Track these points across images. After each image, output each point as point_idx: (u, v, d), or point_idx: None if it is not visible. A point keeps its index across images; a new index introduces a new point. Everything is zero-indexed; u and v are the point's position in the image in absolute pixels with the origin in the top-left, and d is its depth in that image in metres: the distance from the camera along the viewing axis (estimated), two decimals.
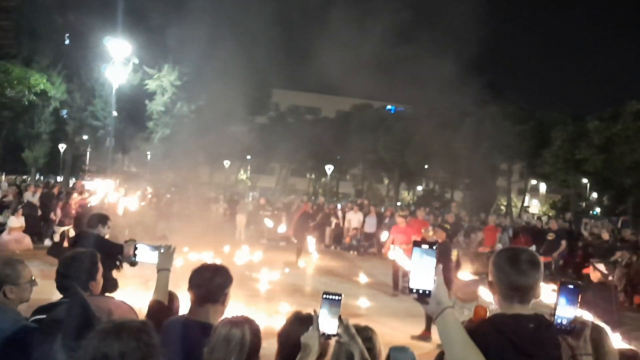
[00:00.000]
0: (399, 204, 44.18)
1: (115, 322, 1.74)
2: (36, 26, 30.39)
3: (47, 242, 14.34)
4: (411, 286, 1.80)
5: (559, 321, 2.02)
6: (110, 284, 5.05)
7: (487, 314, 2.21)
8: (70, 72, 32.15)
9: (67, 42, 34.55)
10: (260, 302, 9.30)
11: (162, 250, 3.04)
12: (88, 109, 32.75)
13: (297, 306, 8.87)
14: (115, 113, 26.05)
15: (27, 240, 13.88)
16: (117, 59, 24.45)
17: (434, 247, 1.81)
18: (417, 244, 1.83)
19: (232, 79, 34.27)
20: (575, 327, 2.04)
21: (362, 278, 13.08)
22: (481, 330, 1.94)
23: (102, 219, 5.66)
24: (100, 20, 28.69)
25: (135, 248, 3.08)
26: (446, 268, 7.31)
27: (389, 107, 53.08)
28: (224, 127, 38.63)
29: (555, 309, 2.06)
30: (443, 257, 9.00)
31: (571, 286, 2.10)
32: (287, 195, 42.02)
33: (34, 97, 30.51)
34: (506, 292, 2.06)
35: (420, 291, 1.79)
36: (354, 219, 19.45)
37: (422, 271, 1.79)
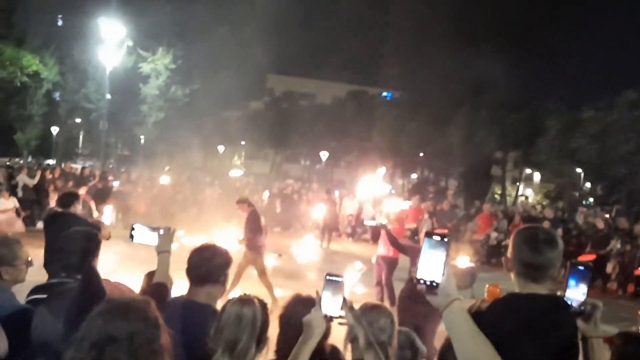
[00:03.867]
0: (393, 191, 44.18)
1: (119, 300, 1.64)
2: (29, 6, 29.95)
3: (40, 225, 14.23)
4: (419, 276, 1.75)
5: (568, 303, 2.00)
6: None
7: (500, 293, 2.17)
8: (63, 54, 31.81)
9: (60, 23, 34.14)
10: (254, 287, 9.26)
11: (161, 232, 2.95)
12: (81, 91, 32.46)
13: (291, 290, 8.89)
14: (108, 96, 25.79)
15: (19, 222, 13.77)
16: (111, 40, 24.17)
17: (445, 239, 1.77)
18: (428, 234, 1.78)
19: (227, 64, 34.13)
20: (586, 309, 2.02)
21: (357, 264, 13.06)
22: (494, 309, 1.92)
23: (75, 197, 5.75)
24: (94, 1, 28.34)
25: (133, 229, 2.98)
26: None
27: (384, 94, 52.94)
28: (218, 112, 38.48)
29: (564, 291, 2.03)
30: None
31: (581, 267, 2.06)
32: (282, 181, 41.95)
33: (26, 79, 30.19)
34: (522, 270, 2.05)
35: (428, 282, 1.74)
36: (349, 206, 19.46)
37: (432, 262, 1.74)
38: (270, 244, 13.76)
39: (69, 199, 5.73)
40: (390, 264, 9.46)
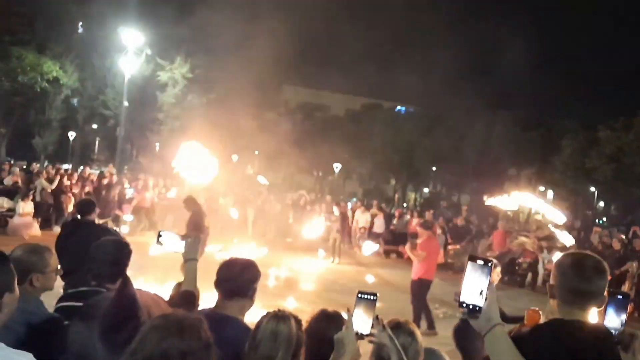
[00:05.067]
0: (405, 205, 44.07)
1: (174, 317, 1.64)
2: (50, 13, 30.45)
3: (56, 229, 14.37)
4: (462, 300, 1.77)
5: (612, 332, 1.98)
6: None
7: (541, 319, 2.17)
8: (83, 61, 32.23)
9: (80, 30, 34.63)
10: (267, 299, 9.27)
11: (189, 240, 2.99)
12: (99, 98, 32.83)
13: (304, 302, 8.89)
14: (126, 103, 26.07)
15: (36, 225, 13.92)
16: (130, 49, 24.48)
17: (489, 264, 1.78)
18: (472, 258, 1.81)
19: (243, 74, 34.35)
20: (624, 339, 2.00)
21: (369, 277, 13.05)
22: (535, 334, 1.89)
23: (93, 204, 5.77)
24: (115, 9, 28.75)
25: (160, 235, 3.00)
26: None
27: (399, 107, 52.95)
28: (234, 122, 38.68)
29: (603, 319, 2.01)
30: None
31: (620, 296, 2.05)
32: (294, 191, 41.95)
33: (46, 84, 30.60)
34: (567, 297, 2.00)
35: (471, 306, 1.76)
36: (361, 218, 19.42)
37: (474, 286, 1.77)
38: (280, 256, 13.83)
39: (87, 206, 5.70)
40: (413, 286, 8.65)
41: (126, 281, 1.97)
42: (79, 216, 5.78)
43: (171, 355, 1.53)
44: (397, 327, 2.65)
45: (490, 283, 1.77)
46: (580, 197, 35.99)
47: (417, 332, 2.58)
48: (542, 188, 46.77)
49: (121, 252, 2.97)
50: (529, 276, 14.79)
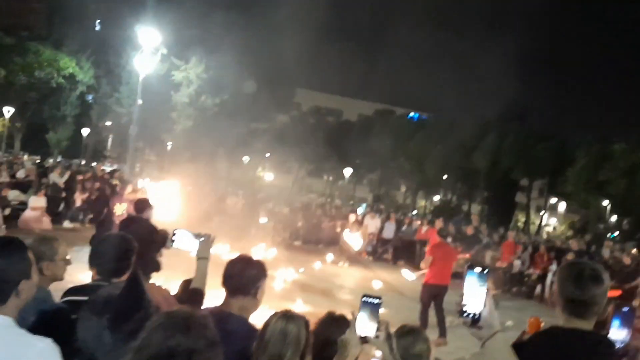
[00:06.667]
0: (414, 212, 43.96)
1: (180, 314, 1.62)
2: (68, 10, 30.80)
3: (67, 224, 14.48)
4: (464, 309, 1.77)
5: (613, 342, 1.97)
6: (155, 265, 5.43)
7: (542, 326, 2.15)
8: (99, 58, 32.53)
9: (97, 27, 34.98)
10: (274, 300, 9.26)
11: (202, 239, 3.00)
12: (114, 95, 33.09)
13: (312, 306, 8.85)
14: (140, 101, 26.22)
15: (47, 220, 14.00)
16: (146, 48, 24.62)
17: (485, 272, 1.79)
18: (471, 266, 1.81)
19: (257, 76, 34.52)
20: (629, 351, 1.98)
21: (376, 283, 12.99)
22: (536, 342, 1.89)
23: (148, 203, 6.18)
24: (131, 8, 29.03)
25: (174, 234, 3.04)
26: None
27: (411, 114, 52.88)
28: (246, 123, 38.83)
29: (608, 331, 2.00)
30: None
31: (626, 309, 2.03)
32: (304, 195, 42.02)
33: (62, 80, 30.92)
34: (566, 306, 2.01)
35: (471, 315, 1.75)
36: (370, 224, 19.35)
37: (474, 294, 1.77)
38: (288, 259, 13.81)
39: (142, 205, 6.14)
40: (423, 290, 8.59)
41: (136, 273, 1.97)
42: (134, 214, 6.20)
43: (177, 353, 1.52)
44: (408, 333, 2.63)
45: (488, 290, 1.77)
46: (592, 210, 35.67)
47: (428, 340, 2.56)
48: (553, 200, 46.50)
49: (126, 247, 2.98)
50: (538, 288, 14.66)
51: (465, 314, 1.75)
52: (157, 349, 1.52)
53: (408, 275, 11.45)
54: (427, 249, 8.74)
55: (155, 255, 5.46)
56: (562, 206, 48.33)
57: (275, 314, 2.24)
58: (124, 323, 1.78)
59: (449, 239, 15.35)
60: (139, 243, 3.10)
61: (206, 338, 1.58)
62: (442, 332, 8.18)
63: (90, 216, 15.01)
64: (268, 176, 53.38)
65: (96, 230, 9.04)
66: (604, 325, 2.43)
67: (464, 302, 1.76)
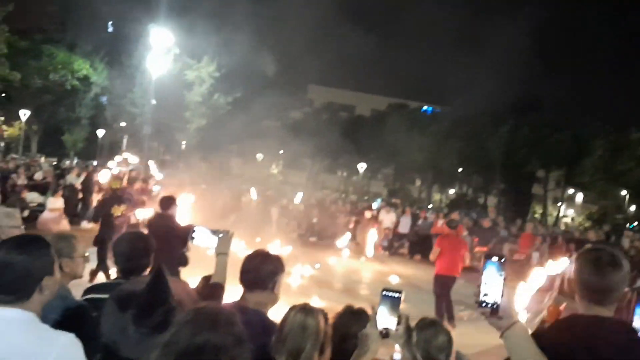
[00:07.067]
0: (430, 206, 43.75)
1: (208, 311, 1.64)
2: (81, 12, 31.07)
3: (84, 224, 14.61)
4: (482, 299, 1.74)
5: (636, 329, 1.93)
6: (183, 260, 5.88)
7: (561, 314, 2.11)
8: (112, 59, 32.77)
9: (110, 29, 35.24)
10: (292, 296, 9.27)
11: (220, 235, 3.04)
12: (127, 96, 33.32)
13: (330, 301, 8.85)
14: (154, 101, 26.37)
15: (65, 221, 14.16)
16: (159, 48, 24.72)
17: (502, 260, 1.77)
18: (488, 256, 1.80)
19: (269, 73, 34.57)
20: None
21: (393, 278, 12.96)
22: (555, 330, 1.86)
23: (173, 200, 6.45)
24: (143, 8, 29.16)
25: (193, 230, 3.07)
26: None
27: (425, 108, 52.58)
28: (259, 121, 38.92)
29: (632, 319, 1.97)
30: None
31: None
32: (318, 191, 42.00)
33: (77, 82, 31.22)
34: (584, 293, 1.98)
35: (490, 304, 1.73)
36: (386, 218, 19.30)
37: (491, 284, 1.75)
38: (304, 255, 13.84)
39: (167, 202, 6.41)
40: (434, 282, 8.76)
41: (160, 267, 1.99)
42: (160, 211, 6.49)
43: (205, 350, 1.53)
44: (429, 325, 2.62)
45: (506, 279, 1.74)
46: (610, 201, 35.24)
47: (449, 332, 2.55)
48: (571, 191, 46.00)
49: (144, 245, 3.01)
50: (566, 281, 14.51)
51: (484, 304, 1.72)
52: (184, 345, 1.53)
53: None
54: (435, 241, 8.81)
55: (182, 250, 5.90)
56: (580, 197, 47.81)
57: (294, 307, 2.24)
58: (148, 317, 1.80)
59: (465, 233, 15.32)
60: (166, 239, 3.18)
61: (234, 335, 1.59)
62: (450, 317, 8.33)
63: None
64: (282, 173, 53.45)
65: (99, 231, 9.04)
66: (626, 313, 2.39)
67: (483, 293, 1.74)
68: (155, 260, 2.94)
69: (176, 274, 5.13)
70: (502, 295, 1.73)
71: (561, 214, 45.31)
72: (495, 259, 1.77)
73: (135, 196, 15.21)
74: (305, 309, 2.23)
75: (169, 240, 5.49)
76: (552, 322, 2.01)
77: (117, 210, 9.00)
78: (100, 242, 8.55)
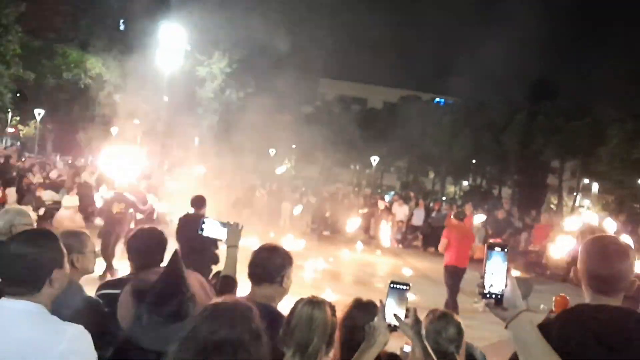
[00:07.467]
0: (444, 198, 43.56)
1: (225, 306, 1.67)
2: (93, 11, 31.25)
3: (98, 221, 14.74)
4: (486, 291, 1.72)
5: None
6: (214, 258, 6.06)
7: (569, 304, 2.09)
8: (125, 57, 32.94)
9: (122, 27, 35.42)
10: (305, 290, 9.29)
11: (231, 227, 3.07)
12: (140, 93, 33.48)
13: (340, 294, 8.87)
14: (166, 98, 26.51)
15: (80, 218, 14.30)
16: (171, 45, 24.85)
17: (506, 250, 1.75)
18: (490, 246, 1.77)
19: (281, 68, 34.52)
20: None
21: (407, 271, 12.95)
22: (562, 320, 1.84)
23: (203, 200, 6.64)
24: (154, 6, 29.27)
25: (203, 222, 3.09)
26: None
27: (437, 99, 52.25)
28: (271, 116, 38.95)
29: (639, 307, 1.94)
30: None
31: None
32: (331, 185, 41.96)
33: (90, 81, 31.43)
34: (591, 282, 1.95)
35: (493, 295, 1.71)
36: (398, 211, 19.26)
37: (495, 274, 1.72)
38: (317, 248, 13.88)
39: (198, 201, 6.64)
40: (444, 274, 8.75)
41: (176, 258, 2.02)
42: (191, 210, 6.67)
43: (224, 347, 1.56)
44: (440, 317, 2.62)
45: (509, 269, 1.72)
46: (626, 190, 34.76)
47: (460, 325, 2.54)
48: (586, 180, 45.49)
49: (157, 241, 3.04)
50: (572, 271, 14.40)
51: (488, 295, 1.71)
52: (203, 341, 1.56)
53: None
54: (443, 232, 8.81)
55: (213, 248, 6.07)
56: (595, 187, 47.26)
57: (301, 300, 2.24)
58: (162, 306, 1.84)
59: (479, 223, 15.22)
60: (198, 238, 3.22)
61: (251, 331, 1.62)
62: (454, 307, 8.33)
63: None
64: (295, 167, 53.50)
65: (103, 226, 9.78)
66: (634, 302, 2.36)
67: (487, 283, 1.72)
68: (187, 259, 2.99)
69: (208, 272, 5.14)
70: (506, 285, 1.71)
71: (577, 204, 44.83)
72: (498, 249, 1.75)
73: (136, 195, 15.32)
74: (312, 302, 2.22)
75: (201, 240, 5.53)
76: (559, 312, 1.98)
77: (116, 208, 9.57)
78: (103, 235, 9.25)
